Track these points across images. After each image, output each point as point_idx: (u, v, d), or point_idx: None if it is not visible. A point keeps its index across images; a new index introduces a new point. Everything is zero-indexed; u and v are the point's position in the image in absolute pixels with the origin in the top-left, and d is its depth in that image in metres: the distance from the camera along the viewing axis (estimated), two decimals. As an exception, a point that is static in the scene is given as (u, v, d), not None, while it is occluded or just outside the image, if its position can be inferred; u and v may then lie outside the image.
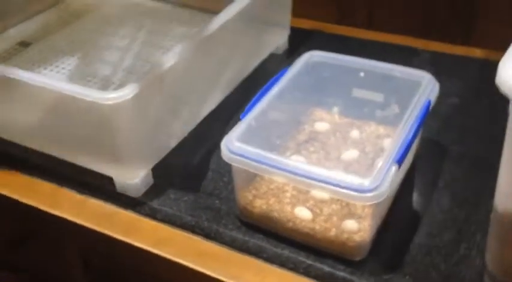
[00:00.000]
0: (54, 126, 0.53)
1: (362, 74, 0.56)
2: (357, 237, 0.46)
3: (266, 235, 0.50)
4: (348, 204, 0.47)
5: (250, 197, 0.50)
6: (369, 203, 0.42)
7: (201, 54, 0.57)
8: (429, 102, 0.50)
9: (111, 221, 0.53)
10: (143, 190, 0.54)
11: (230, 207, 0.53)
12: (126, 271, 0.58)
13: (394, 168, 0.43)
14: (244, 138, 0.47)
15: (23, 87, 0.50)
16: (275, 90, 0.54)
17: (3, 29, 0.78)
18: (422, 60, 0.73)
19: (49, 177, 0.57)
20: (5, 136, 0.59)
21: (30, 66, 0.72)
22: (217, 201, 0.53)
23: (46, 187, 0.57)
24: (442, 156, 0.58)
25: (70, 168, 0.56)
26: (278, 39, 0.75)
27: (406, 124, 0.47)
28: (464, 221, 0.50)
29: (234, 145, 0.46)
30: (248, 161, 0.45)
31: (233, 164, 0.47)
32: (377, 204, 0.44)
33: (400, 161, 0.44)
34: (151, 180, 0.55)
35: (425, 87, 0.52)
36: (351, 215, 0.47)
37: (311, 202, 0.48)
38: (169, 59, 0.51)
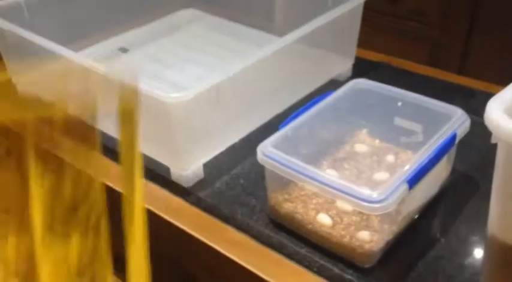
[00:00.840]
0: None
1: (400, 104, 0.61)
2: (367, 246, 0.50)
3: (289, 234, 0.56)
4: (368, 218, 0.52)
5: (281, 199, 0.56)
6: (376, 213, 0.47)
7: (259, 71, 0.65)
8: (455, 134, 0.54)
9: (163, 204, 0.62)
10: (193, 182, 0.63)
11: (263, 206, 0.59)
12: (169, 247, 0.66)
13: (404, 187, 0.48)
14: (279, 145, 0.54)
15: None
16: (317, 108, 0.60)
17: (106, 37, 0.91)
18: (479, 100, 0.75)
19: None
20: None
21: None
22: (253, 200, 0.60)
23: (115, 168, 0.67)
24: (473, 190, 0.60)
25: (138, 156, 0.66)
26: (341, 67, 0.81)
27: (426, 150, 0.51)
28: (475, 251, 0.53)
29: (268, 150, 0.53)
30: (277, 164, 0.52)
31: (265, 165, 0.54)
32: (389, 220, 0.49)
33: (411, 182, 0.48)
34: (201, 174, 0.64)
35: (455, 121, 0.56)
36: (367, 227, 0.51)
37: (334, 211, 0.54)
38: (228, 72, 0.60)
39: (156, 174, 0.65)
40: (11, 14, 0.77)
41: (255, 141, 0.69)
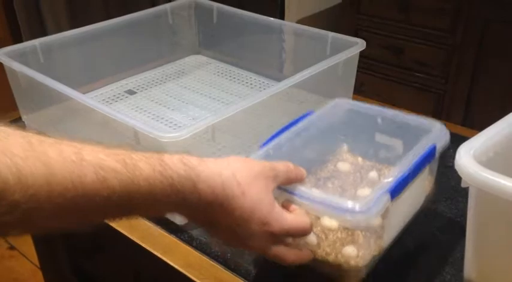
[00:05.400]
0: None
1: (380, 120, 0.63)
2: (353, 262, 0.50)
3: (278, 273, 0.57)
4: (353, 233, 0.51)
5: None
6: (360, 225, 0.48)
7: (256, 113, 0.68)
8: (434, 146, 0.55)
9: (156, 240, 0.63)
10: (186, 220, 0.64)
11: (253, 246, 0.60)
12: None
13: (386, 197, 0.48)
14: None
15: (109, 121, 0.64)
16: (299, 127, 0.60)
17: (116, 80, 0.96)
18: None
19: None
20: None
21: (129, 109, 0.88)
22: (244, 239, 0.62)
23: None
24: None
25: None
26: (337, 112, 0.83)
27: (406, 162, 0.52)
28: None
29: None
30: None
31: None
32: (375, 234, 0.49)
33: (392, 192, 0.48)
34: (195, 213, 0.65)
35: (434, 133, 0.57)
36: (353, 243, 0.51)
37: (318, 228, 0.53)
38: (223, 113, 0.62)
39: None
40: (26, 56, 0.82)
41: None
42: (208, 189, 0.44)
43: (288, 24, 1.00)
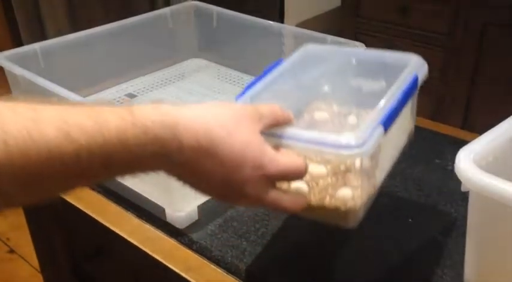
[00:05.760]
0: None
1: (355, 62, 0.59)
2: (350, 203, 0.48)
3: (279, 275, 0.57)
4: (344, 176, 0.49)
5: None
6: (357, 158, 0.46)
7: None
8: (416, 77, 0.54)
9: (156, 244, 0.64)
10: (187, 223, 0.65)
11: (254, 249, 0.61)
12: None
13: (379, 129, 0.46)
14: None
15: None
16: (271, 77, 0.56)
17: (116, 83, 0.96)
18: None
19: (119, 201, 0.70)
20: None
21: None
22: (244, 243, 0.62)
23: (115, 209, 0.70)
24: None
25: (135, 197, 0.68)
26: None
27: (391, 94, 0.51)
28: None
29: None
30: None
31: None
32: (367, 172, 0.48)
33: (385, 124, 0.47)
34: (196, 216, 0.65)
35: (413, 65, 0.56)
36: (346, 185, 0.49)
37: (307, 177, 0.49)
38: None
39: (151, 214, 0.67)
40: (26, 60, 0.82)
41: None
42: (188, 135, 0.39)
43: (287, 28, 1.00)
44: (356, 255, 0.60)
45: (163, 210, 0.65)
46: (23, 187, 0.34)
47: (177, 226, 0.64)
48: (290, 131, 0.46)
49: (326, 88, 0.62)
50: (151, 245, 0.63)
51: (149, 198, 0.67)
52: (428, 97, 1.73)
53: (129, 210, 0.69)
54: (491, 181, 0.37)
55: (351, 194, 0.48)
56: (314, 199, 0.50)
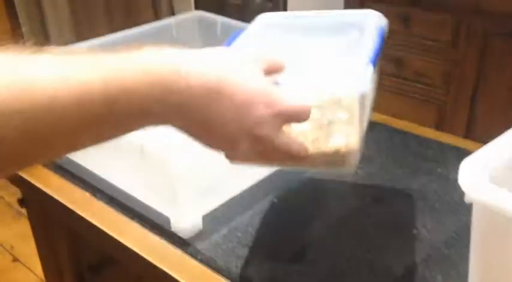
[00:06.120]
0: (141, 174, 0.67)
1: (316, 24, 0.61)
2: (350, 145, 0.48)
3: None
4: (330, 124, 0.48)
5: None
6: (356, 96, 0.48)
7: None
8: (382, 28, 0.58)
9: (161, 254, 0.64)
10: (192, 233, 0.65)
11: (259, 259, 0.61)
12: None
13: (370, 69, 0.49)
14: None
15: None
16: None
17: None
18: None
19: (124, 211, 0.71)
20: (104, 176, 0.74)
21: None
22: (249, 253, 0.62)
23: (120, 218, 0.70)
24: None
25: (140, 206, 0.69)
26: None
27: (366, 41, 0.54)
28: None
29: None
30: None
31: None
32: (359, 112, 0.49)
33: (373, 62, 0.50)
34: (200, 226, 0.66)
35: (374, 20, 0.60)
36: (338, 131, 0.49)
37: (305, 124, 0.48)
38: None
39: (156, 224, 0.67)
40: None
41: (255, 195, 0.71)
42: (196, 75, 0.37)
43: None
44: (360, 266, 0.60)
45: (168, 219, 0.66)
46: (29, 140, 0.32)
47: (182, 236, 0.65)
48: (286, 77, 0.46)
49: (290, 51, 0.59)
50: (156, 254, 0.64)
51: (154, 207, 0.67)
52: (431, 106, 1.74)
53: (134, 220, 0.69)
54: (495, 193, 0.37)
55: (345, 138, 0.48)
56: (315, 146, 0.48)
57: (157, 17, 2.11)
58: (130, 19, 1.99)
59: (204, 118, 0.40)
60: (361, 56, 0.50)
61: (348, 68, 0.50)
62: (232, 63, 0.41)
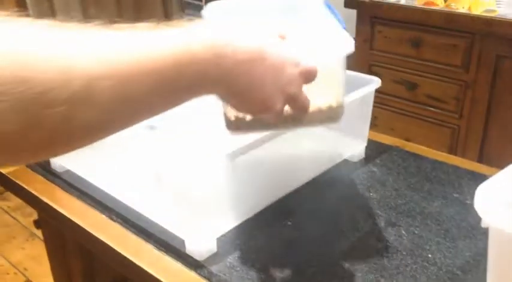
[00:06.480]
0: (157, 197, 0.68)
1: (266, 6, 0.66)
2: (339, 99, 0.56)
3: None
4: (320, 83, 0.52)
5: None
6: (348, 52, 0.55)
7: (274, 150, 0.69)
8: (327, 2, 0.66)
9: (176, 276, 0.64)
10: (207, 255, 0.65)
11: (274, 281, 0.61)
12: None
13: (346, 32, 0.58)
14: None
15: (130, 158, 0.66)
16: None
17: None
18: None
19: (139, 232, 0.71)
20: (120, 198, 0.75)
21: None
22: (263, 276, 0.62)
23: (135, 240, 0.71)
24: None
25: (155, 228, 0.69)
26: (354, 148, 0.85)
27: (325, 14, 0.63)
28: None
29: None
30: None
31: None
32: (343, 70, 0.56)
33: (344, 27, 0.60)
34: (215, 248, 0.66)
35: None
36: (332, 86, 0.55)
37: None
38: (238, 153, 0.64)
39: (171, 246, 0.67)
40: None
41: (269, 217, 0.72)
42: (240, 43, 0.44)
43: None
44: (375, 289, 0.60)
45: (183, 241, 0.66)
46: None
47: (196, 258, 0.65)
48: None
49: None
50: (170, 276, 0.64)
51: (169, 229, 0.68)
52: (444, 130, 1.74)
53: (148, 242, 0.69)
54: (511, 218, 0.37)
55: (338, 93, 0.55)
56: (312, 103, 0.53)
57: (166, 13, 2.14)
58: (141, 15, 2.03)
59: (248, 81, 0.46)
60: (331, 24, 0.58)
61: (327, 34, 0.58)
62: (263, 33, 0.47)
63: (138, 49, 0.38)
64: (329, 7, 0.64)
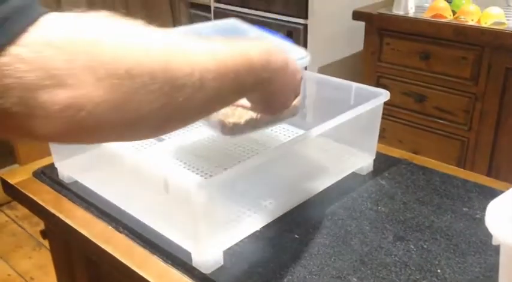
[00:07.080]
0: (163, 209, 0.68)
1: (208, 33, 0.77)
2: (297, 102, 0.67)
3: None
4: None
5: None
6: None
7: (281, 162, 0.69)
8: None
9: (182, 289, 0.64)
10: (213, 268, 0.65)
11: (279, 297, 0.60)
12: None
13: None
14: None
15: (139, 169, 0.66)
16: None
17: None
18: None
19: (146, 245, 0.71)
20: (126, 210, 0.75)
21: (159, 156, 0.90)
22: (270, 290, 0.62)
23: (142, 252, 0.70)
24: None
25: (161, 241, 0.69)
26: (362, 161, 0.84)
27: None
28: None
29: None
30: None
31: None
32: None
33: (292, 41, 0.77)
34: (221, 261, 0.66)
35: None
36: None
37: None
38: (249, 163, 0.64)
39: (178, 258, 0.67)
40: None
41: (276, 230, 0.71)
42: (276, 53, 0.54)
43: (309, 74, 1.02)
44: (384, 305, 0.59)
45: (190, 254, 0.66)
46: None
47: (202, 271, 0.65)
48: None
49: None
50: (176, 289, 0.64)
51: (176, 242, 0.67)
52: (453, 142, 1.73)
53: (155, 254, 0.69)
54: (523, 234, 0.37)
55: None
56: None
57: (173, 15, 2.16)
58: (148, 14, 2.04)
59: (281, 85, 0.56)
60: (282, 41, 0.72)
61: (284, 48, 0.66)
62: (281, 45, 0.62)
63: (232, 51, 0.47)
64: (269, 31, 0.75)
